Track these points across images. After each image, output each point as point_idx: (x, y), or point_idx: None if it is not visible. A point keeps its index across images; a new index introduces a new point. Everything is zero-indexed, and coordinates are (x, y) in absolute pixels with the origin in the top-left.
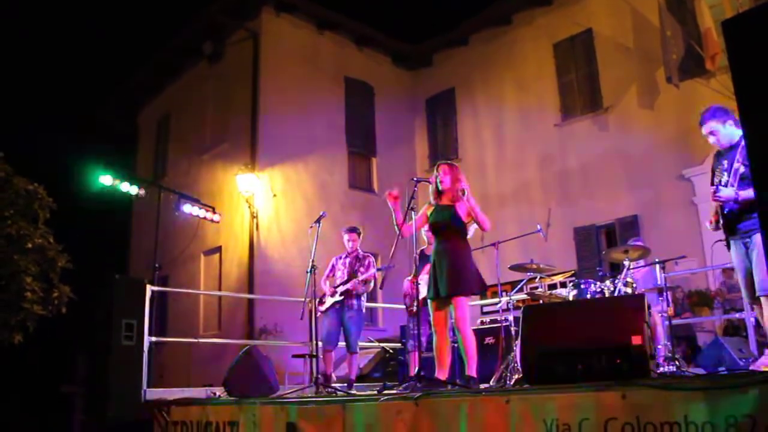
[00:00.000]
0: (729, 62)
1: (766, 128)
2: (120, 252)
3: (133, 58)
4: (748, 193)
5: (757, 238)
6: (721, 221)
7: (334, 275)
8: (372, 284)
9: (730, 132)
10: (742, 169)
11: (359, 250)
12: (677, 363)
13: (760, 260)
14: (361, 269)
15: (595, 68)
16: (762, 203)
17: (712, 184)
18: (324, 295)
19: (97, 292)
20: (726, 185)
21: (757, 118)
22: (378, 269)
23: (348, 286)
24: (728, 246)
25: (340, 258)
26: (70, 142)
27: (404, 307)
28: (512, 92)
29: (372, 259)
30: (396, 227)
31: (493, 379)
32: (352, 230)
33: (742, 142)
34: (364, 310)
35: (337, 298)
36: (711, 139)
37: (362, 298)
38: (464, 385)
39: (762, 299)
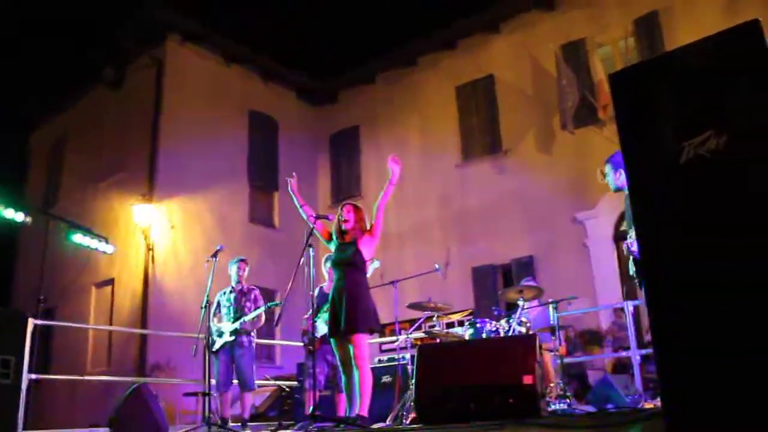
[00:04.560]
0: (615, 112)
1: (645, 179)
2: (2, 283)
3: (27, 75)
4: None
5: None
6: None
7: (220, 312)
8: (263, 319)
9: (620, 177)
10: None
11: (243, 284)
12: (569, 400)
13: None
14: (248, 304)
15: (495, 112)
16: (642, 249)
17: None
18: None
19: None
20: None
21: (637, 168)
22: (267, 306)
23: (236, 325)
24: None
25: (224, 293)
26: None
27: (302, 344)
28: (415, 132)
29: (258, 292)
30: (303, 215)
31: (389, 418)
32: (243, 260)
33: None
34: (254, 346)
35: (227, 338)
36: (603, 180)
37: (252, 335)
38: (357, 424)
39: None
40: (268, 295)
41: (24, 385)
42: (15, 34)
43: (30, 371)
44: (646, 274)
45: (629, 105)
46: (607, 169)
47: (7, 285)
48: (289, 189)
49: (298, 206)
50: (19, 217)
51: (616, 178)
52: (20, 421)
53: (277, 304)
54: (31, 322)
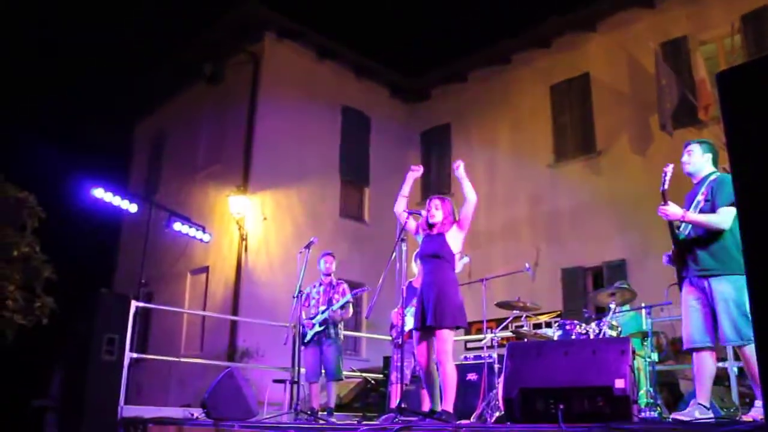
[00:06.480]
0: (722, 113)
1: (755, 180)
2: (106, 266)
3: (131, 72)
4: (698, 217)
5: (718, 285)
6: (674, 249)
7: (308, 304)
8: (350, 310)
9: (703, 162)
10: (701, 204)
11: (332, 277)
12: (659, 409)
13: (725, 310)
14: (336, 296)
15: (589, 112)
16: (748, 257)
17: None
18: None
19: (80, 304)
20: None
21: (747, 170)
22: (352, 294)
23: (325, 315)
24: (680, 285)
25: (314, 286)
26: (63, 151)
27: (390, 338)
28: (507, 131)
29: (346, 286)
30: (399, 204)
31: (473, 416)
32: (329, 253)
33: (711, 178)
34: (342, 338)
35: (317, 329)
36: (684, 157)
37: (340, 326)
38: (442, 419)
39: (738, 348)
40: (356, 288)
41: (126, 363)
42: (123, 36)
43: (131, 350)
44: (751, 270)
45: (737, 104)
46: (697, 148)
47: (110, 269)
48: (410, 175)
49: (403, 193)
50: (132, 208)
51: (701, 160)
52: (122, 395)
53: (360, 292)
54: (134, 305)
